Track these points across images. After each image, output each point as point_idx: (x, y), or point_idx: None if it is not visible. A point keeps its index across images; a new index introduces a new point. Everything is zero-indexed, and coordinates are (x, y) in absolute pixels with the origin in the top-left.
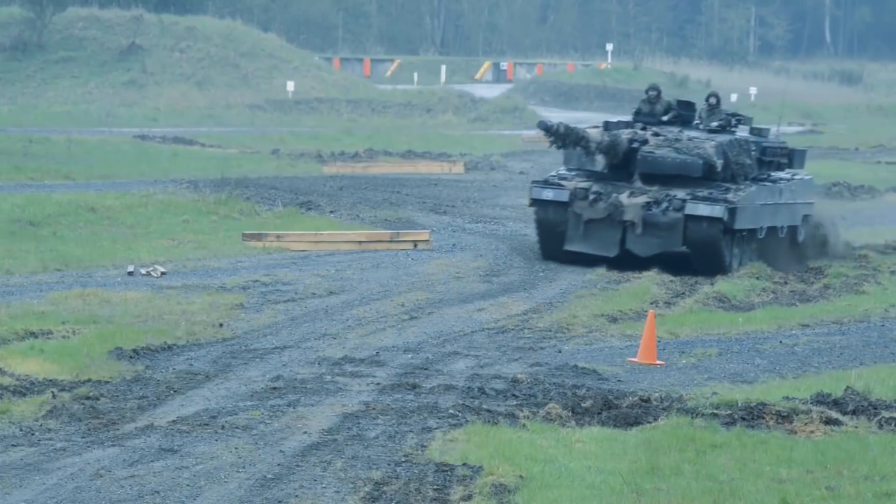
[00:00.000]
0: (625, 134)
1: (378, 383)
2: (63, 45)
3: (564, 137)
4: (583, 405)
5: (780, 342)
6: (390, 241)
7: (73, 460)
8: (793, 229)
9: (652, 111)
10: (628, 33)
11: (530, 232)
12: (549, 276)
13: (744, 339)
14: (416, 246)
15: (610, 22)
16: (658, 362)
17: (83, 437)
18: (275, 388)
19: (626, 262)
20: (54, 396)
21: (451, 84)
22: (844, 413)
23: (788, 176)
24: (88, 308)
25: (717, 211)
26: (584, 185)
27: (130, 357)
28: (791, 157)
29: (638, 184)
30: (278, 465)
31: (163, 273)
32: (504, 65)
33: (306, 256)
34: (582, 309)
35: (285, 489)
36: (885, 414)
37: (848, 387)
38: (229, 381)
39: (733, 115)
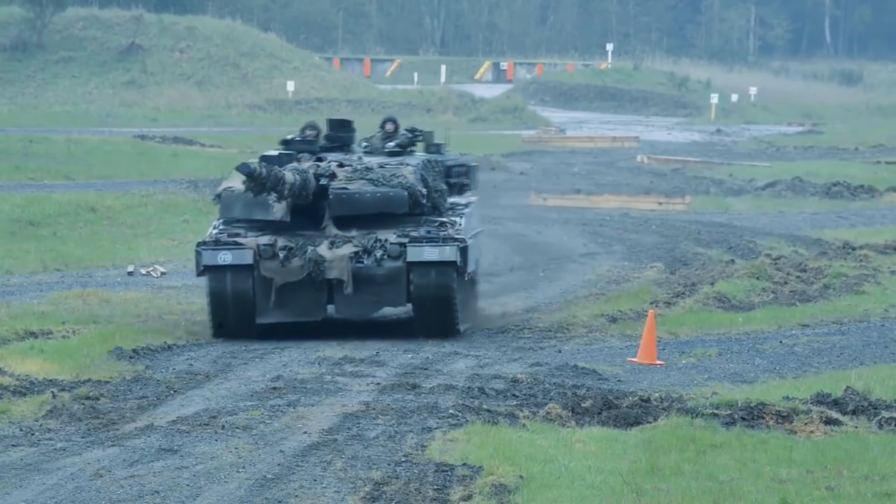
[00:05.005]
0: (310, 169)
1: (378, 383)
2: (63, 45)
3: (265, 182)
4: (583, 405)
5: (780, 342)
6: None
7: (73, 460)
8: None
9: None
10: (628, 33)
11: (530, 232)
12: (549, 276)
13: (744, 339)
14: None
15: (610, 22)
16: (658, 362)
17: (83, 437)
18: (275, 388)
19: (337, 319)
20: (54, 396)
21: (451, 84)
22: (844, 413)
23: (465, 201)
24: (88, 308)
25: (447, 253)
26: (267, 240)
27: (130, 357)
28: (472, 177)
29: (332, 229)
30: (278, 465)
31: (163, 273)
32: (504, 65)
33: None
34: (582, 309)
35: (285, 489)
36: (885, 414)
37: (848, 387)
38: (229, 381)
39: (410, 130)
